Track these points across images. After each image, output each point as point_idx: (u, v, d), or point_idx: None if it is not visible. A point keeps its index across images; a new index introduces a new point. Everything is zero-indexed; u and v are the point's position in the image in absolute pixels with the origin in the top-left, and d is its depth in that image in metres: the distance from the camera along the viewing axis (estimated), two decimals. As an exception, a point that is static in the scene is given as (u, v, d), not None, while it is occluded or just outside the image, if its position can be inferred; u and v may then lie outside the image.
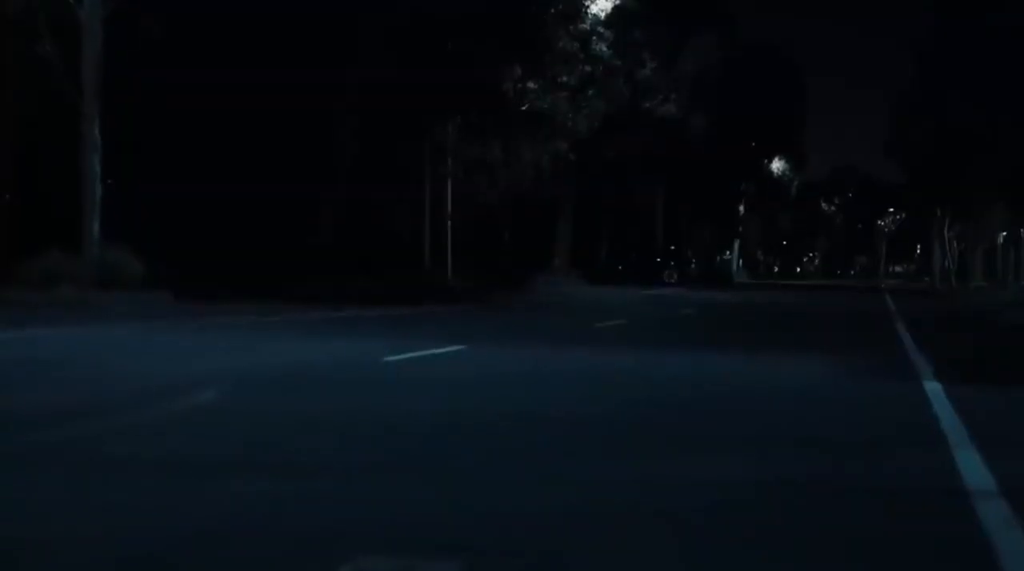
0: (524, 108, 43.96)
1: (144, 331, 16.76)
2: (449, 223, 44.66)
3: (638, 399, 9.21)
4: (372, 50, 35.79)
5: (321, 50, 33.56)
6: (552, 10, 44.47)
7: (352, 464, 5.88)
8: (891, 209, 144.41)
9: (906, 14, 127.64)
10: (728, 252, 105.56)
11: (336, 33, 34.32)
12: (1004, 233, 76.18)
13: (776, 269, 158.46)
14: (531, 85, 43.82)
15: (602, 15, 48.74)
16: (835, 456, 6.46)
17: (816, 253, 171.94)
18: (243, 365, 11.31)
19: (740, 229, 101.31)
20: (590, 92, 47.52)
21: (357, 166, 36.49)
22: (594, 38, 47.93)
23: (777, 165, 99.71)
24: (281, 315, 21.42)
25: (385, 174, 39.34)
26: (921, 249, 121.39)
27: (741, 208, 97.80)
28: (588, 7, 47.66)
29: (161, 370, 10.71)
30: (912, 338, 18.11)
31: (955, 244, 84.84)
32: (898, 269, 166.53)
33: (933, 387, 10.10)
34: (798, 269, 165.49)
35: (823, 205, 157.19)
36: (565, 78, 45.58)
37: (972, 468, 5.97)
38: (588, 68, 47.11)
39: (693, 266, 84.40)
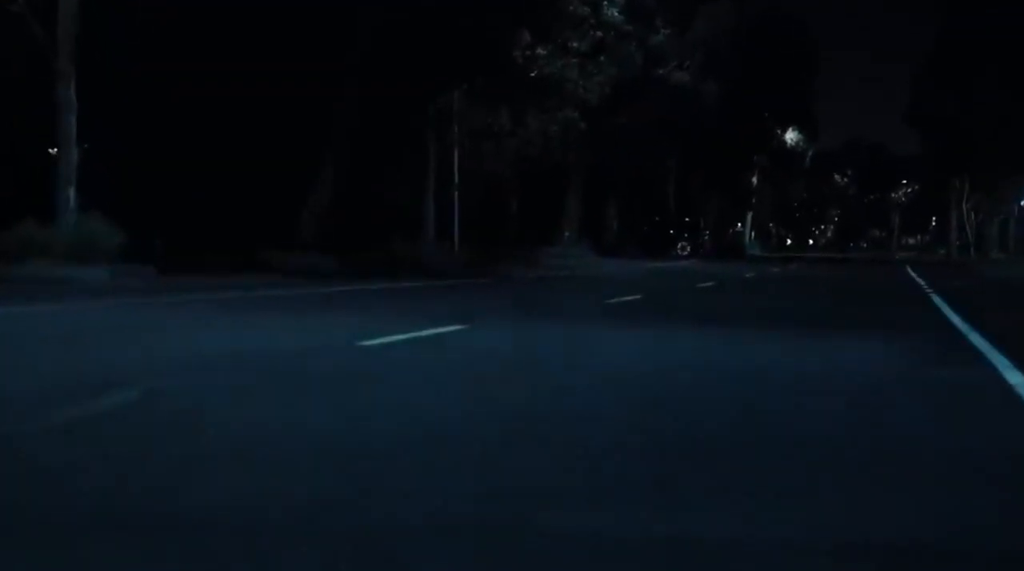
0: (533, 75, 42.31)
1: (109, 308, 15.16)
2: (456, 194, 43.15)
3: (694, 415, 7.54)
4: (375, 11, 34.04)
5: (321, 8, 31.78)
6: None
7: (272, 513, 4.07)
8: (904, 181, 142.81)
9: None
10: (740, 224, 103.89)
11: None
12: (1022, 203, 74.44)
13: (788, 241, 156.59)
14: (540, 51, 42.18)
15: (614, -22, 47.07)
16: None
17: (828, 225, 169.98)
18: (192, 351, 9.69)
19: (753, 201, 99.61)
20: (601, 58, 45.87)
21: (357, 133, 34.80)
22: (605, 3, 46.24)
23: (791, 135, 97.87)
24: (269, 289, 19.78)
25: (386, 142, 37.69)
26: (936, 221, 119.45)
27: (754, 179, 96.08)
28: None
29: (96, 357, 9.11)
30: (958, 314, 16.41)
31: (973, 215, 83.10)
32: (911, 241, 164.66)
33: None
34: (810, 241, 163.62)
35: (836, 177, 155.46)
36: (575, 44, 43.96)
37: None
38: (599, 34, 45.47)
39: (706, 238, 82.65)
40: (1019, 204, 73.62)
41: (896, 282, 34.61)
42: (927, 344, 11.99)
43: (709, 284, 28.83)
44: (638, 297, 21.42)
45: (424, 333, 11.58)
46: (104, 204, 23.92)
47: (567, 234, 56.79)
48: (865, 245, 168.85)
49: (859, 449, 5.59)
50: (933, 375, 9.26)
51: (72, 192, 23.60)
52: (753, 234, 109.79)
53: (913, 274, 41.57)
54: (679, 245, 68.82)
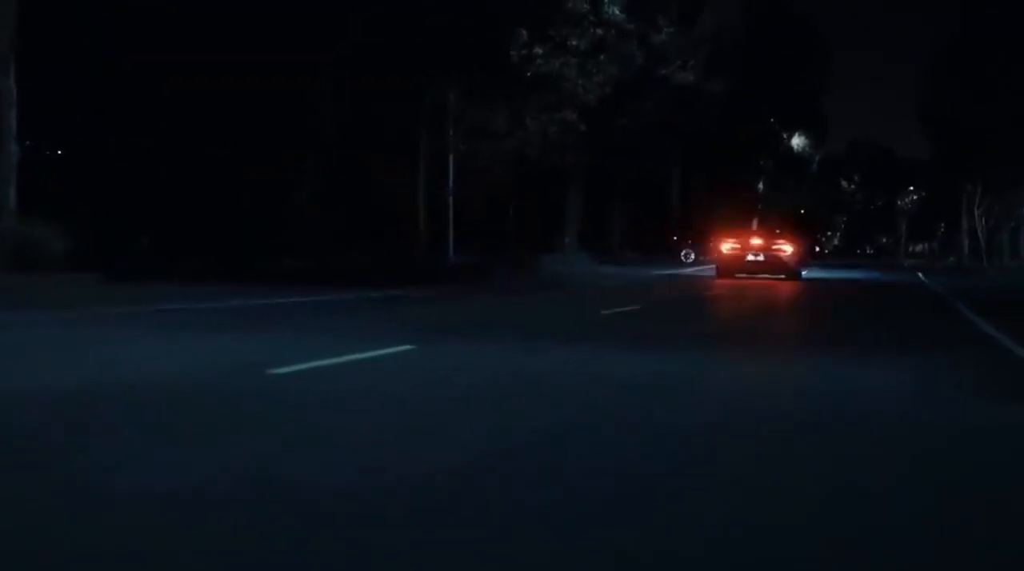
0: (530, 74, 40.55)
1: (11, 324, 13.28)
2: (451, 198, 41.43)
3: (671, 456, 5.71)
4: (366, 2, 32.25)
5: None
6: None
7: None
8: (911, 187, 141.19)
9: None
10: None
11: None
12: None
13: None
14: (538, 50, 40.44)
15: (614, -25, 45.37)
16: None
17: (835, 232, 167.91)
18: (51, 380, 7.83)
19: (759, 206, 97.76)
20: (601, 57, 44.13)
21: (346, 130, 32.96)
22: (606, 1, 44.52)
23: (797, 140, 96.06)
24: (222, 300, 17.89)
25: (378, 141, 35.90)
26: (945, 227, 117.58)
27: (760, 185, 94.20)
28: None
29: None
30: (996, 329, 14.54)
31: (984, 221, 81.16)
32: (918, 248, 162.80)
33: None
34: (816, 248, 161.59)
35: (843, 183, 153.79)
36: (574, 42, 42.21)
37: None
38: (599, 31, 43.71)
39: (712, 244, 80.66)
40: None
41: (914, 290, 32.74)
42: (973, 365, 10.15)
43: (712, 293, 27.02)
44: (636, 307, 19.59)
45: (359, 356, 9.72)
46: (51, 206, 22.06)
47: (567, 239, 54.99)
48: (871, 252, 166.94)
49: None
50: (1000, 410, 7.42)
51: (12, 192, 21.67)
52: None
53: (928, 280, 39.70)
54: (683, 252, 66.84)
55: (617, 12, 45.24)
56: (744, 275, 39.83)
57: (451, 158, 40.68)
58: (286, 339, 11.58)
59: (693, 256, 65.96)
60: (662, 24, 50.15)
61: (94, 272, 21.65)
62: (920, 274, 49.12)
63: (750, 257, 40.98)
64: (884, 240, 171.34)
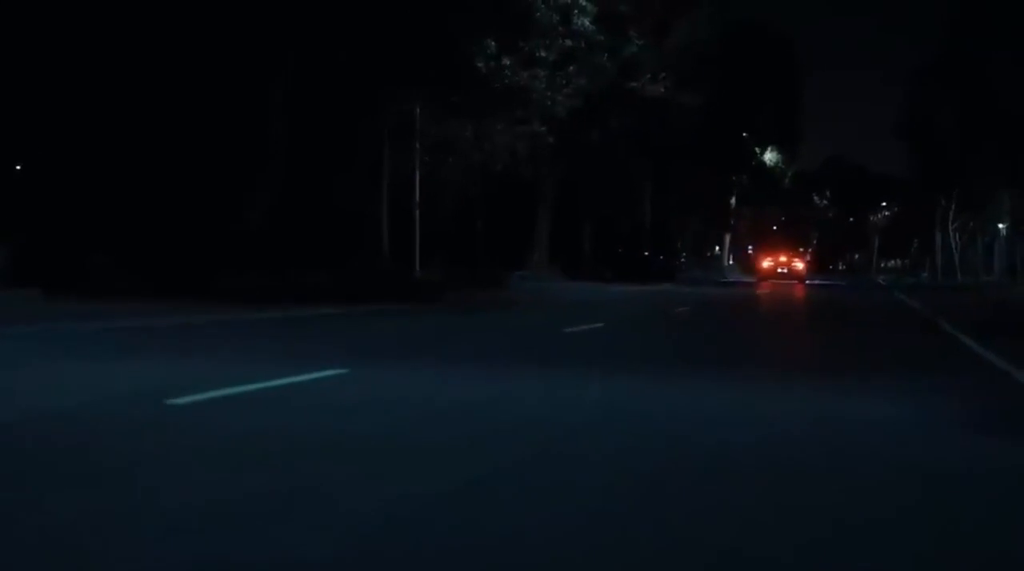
0: (498, 86, 39.51)
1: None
2: (417, 212, 40.31)
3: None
4: (318, 11, 31.13)
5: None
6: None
7: None
8: (883, 203, 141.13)
9: None
10: (718, 247, 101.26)
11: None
12: (1002, 225, 71.90)
13: (766, 265, 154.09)
14: (506, 61, 39.42)
15: (585, -14, 44.45)
16: None
17: (808, 248, 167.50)
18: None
19: (732, 222, 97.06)
20: (571, 69, 43.22)
21: (299, 143, 31.80)
22: (576, 11, 43.57)
23: (770, 156, 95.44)
24: (149, 319, 16.77)
25: (335, 154, 34.77)
26: (919, 243, 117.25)
27: (733, 201, 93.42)
28: (569, -22, 43.39)
29: None
30: (995, 353, 13.48)
31: (957, 237, 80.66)
32: (890, 264, 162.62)
33: None
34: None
35: (815, 198, 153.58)
36: (543, 53, 41.23)
37: None
38: (569, 43, 42.76)
39: (683, 261, 79.70)
40: (1007, 224, 70.97)
41: (892, 307, 31.83)
42: (975, 396, 9.15)
43: (682, 309, 26.03)
44: (600, 325, 18.57)
45: (279, 383, 8.68)
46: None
47: (536, 255, 53.96)
48: (842, 267, 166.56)
49: None
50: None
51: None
52: (732, 257, 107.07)
53: (905, 297, 38.86)
54: (655, 268, 65.79)
55: (587, 23, 44.31)
56: (774, 280, 62.86)
57: (417, 173, 39.60)
58: (205, 362, 10.51)
59: (665, 272, 64.93)
60: (633, 36, 49.19)
61: (34, 288, 20.54)
62: (901, 294, 48.38)
63: (779, 269, 67.27)
64: (856, 256, 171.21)
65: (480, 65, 38.15)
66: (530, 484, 5.13)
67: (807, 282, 60.09)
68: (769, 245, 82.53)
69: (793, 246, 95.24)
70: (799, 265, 68.27)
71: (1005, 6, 47.13)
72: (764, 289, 47.94)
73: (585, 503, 4.72)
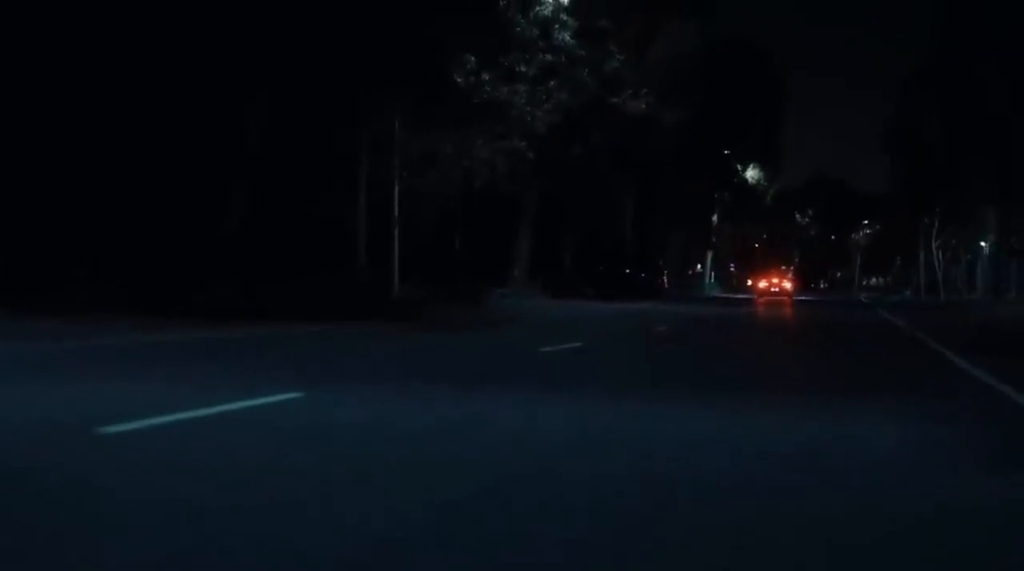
0: (477, 100, 38.97)
1: None
2: (396, 228, 39.67)
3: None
4: (296, 24, 30.50)
5: (232, 11, 28.08)
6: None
7: None
8: (865, 221, 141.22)
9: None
10: (700, 265, 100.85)
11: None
12: (984, 243, 71.57)
13: (749, 282, 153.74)
14: (485, 75, 38.90)
15: (565, 0, 44.05)
16: None
17: (790, 266, 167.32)
18: None
19: (714, 239, 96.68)
20: (551, 84, 42.74)
21: (275, 155, 31.16)
22: (556, 26, 43.13)
23: (752, 173, 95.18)
24: (112, 336, 16.10)
25: (312, 167, 34.13)
26: (901, 261, 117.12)
27: (715, 218, 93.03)
28: (549, -9, 43.00)
29: None
30: (996, 377, 12.85)
31: (940, 254, 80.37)
32: (872, 282, 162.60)
33: None
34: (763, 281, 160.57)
35: (797, 216, 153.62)
36: (524, 68, 40.74)
37: None
38: (549, 58, 42.30)
39: (665, 278, 79.14)
40: (990, 242, 70.60)
41: (878, 326, 31.30)
42: (979, 423, 8.56)
43: (663, 328, 25.43)
44: (579, 344, 17.96)
45: (226, 408, 8.03)
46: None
47: (516, 272, 53.37)
48: (824, 285, 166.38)
49: None
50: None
51: None
52: (714, 275, 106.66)
53: (889, 315, 38.35)
54: (637, 285, 65.14)
55: (568, 38, 43.90)
56: (767, 297, 72.93)
57: (396, 187, 38.97)
58: (152, 384, 9.86)
59: (648, 290, 64.33)
60: (614, 51, 48.74)
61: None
62: (885, 312, 47.95)
63: (772, 289, 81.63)
64: (838, 274, 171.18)
65: (459, 79, 37.66)
66: (486, 533, 4.51)
67: (795, 299, 70.60)
68: (759, 266, 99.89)
69: (776, 265, 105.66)
70: (788, 285, 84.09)
71: (991, 15, 46.89)
72: (760, 304, 54.54)
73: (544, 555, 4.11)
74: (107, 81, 26.25)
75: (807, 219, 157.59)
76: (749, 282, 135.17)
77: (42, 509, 4.72)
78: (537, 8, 42.06)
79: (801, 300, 69.66)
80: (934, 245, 76.93)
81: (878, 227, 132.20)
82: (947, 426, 8.24)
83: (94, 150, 26.97)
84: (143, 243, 27.36)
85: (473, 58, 38.09)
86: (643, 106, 51.41)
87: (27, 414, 7.69)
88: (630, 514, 4.85)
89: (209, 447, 6.45)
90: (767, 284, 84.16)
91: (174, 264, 27.58)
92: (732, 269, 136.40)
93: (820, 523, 4.74)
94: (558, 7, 43.27)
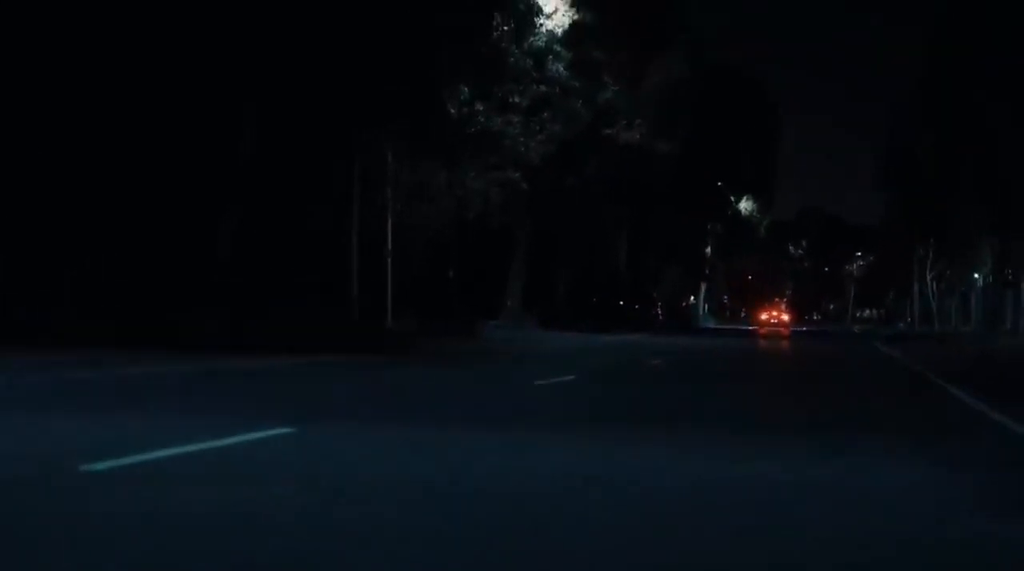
0: (471, 131, 38.77)
1: None
2: (389, 260, 39.35)
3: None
4: (288, 52, 30.29)
5: (223, 36, 27.85)
6: (504, 28, 39.49)
7: None
8: (859, 253, 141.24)
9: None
10: (693, 297, 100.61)
11: (242, 26, 28.63)
12: (979, 275, 71.42)
13: (742, 314, 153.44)
14: (479, 106, 38.71)
15: (559, 31, 43.97)
16: None
17: (783, 298, 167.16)
18: None
19: (707, 271, 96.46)
20: (545, 115, 42.55)
21: (266, 184, 30.90)
22: (550, 57, 43.02)
23: (745, 205, 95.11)
24: (88, 370, 15.75)
25: (305, 197, 33.88)
26: (894, 293, 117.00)
27: (708, 250, 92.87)
28: (542, 24, 42.84)
29: None
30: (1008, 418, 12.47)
31: (935, 286, 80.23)
32: (865, 313, 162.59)
33: None
34: (765, 314, 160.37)
35: (790, 248, 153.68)
36: (517, 99, 40.56)
37: None
38: (543, 88, 42.15)
39: (659, 310, 78.86)
40: (985, 274, 70.43)
41: (874, 359, 31.01)
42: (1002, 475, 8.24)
43: (657, 361, 25.09)
44: (573, 377, 17.63)
45: (211, 445, 7.71)
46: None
47: (510, 304, 53.05)
48: (817, 317, 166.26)
49: None
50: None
51: None
52: (707, 307, 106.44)
53: (885, 348, 38.07)
54: (631, 317, 64.81)
55: (561, 69, 43.77)
56: (768, 328, 79.98)
57: (389, 219, 38.67)
58: (136, 420, 9.53)
59: (641, 322, 64.07)
60: (608, 82, 48.64)
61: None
62: (881, 345, 47.71)
63: (772, 320, 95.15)
64: (831, 306, 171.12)
65: (453, 110, 37.46)
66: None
67: (792, 329, 78.37)
68: (754, 298, 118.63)
69: (769, 296, 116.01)
70: (785, 317, 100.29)
71: (984, 42, 46.88)
72: (761, 334, 59.72)
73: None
74: (97, 113, 26.00)
75: (800, 251, 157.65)
76: (743, 314, 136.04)
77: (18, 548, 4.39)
78: (531, 39, 41.89)
79: (797, 331, 73.38)
80: (928, 276, 76.80)
81: (872, 259, 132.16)
82: (958, 466, 7.94)
83: (81, 182, 26.70)
84: (130, 274, 27.05)
85: (467, 88, 37.88)
86: (637, 136, 51.28)
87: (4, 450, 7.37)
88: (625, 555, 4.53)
89: (183, 487, 6.11)
90: (767, 316, 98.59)
91: (162, 295, 27.27)
92: (725, 301, 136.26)
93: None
94: (552, 38, 43.20)
